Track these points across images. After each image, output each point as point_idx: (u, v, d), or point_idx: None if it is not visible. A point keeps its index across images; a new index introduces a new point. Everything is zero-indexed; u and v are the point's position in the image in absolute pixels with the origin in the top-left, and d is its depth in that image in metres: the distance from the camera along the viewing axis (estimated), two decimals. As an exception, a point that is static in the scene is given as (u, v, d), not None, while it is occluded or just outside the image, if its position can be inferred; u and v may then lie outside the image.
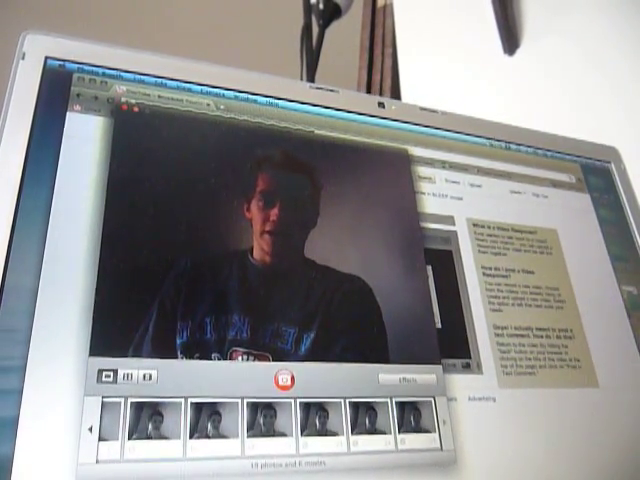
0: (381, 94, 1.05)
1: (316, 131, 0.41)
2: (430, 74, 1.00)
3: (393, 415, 0.34)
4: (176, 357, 0.31)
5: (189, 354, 0.31)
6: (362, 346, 0.36)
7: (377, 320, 0.37)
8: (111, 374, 0.29)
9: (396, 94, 0.99)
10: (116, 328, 0.30)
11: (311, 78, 1.05)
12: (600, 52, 0.83)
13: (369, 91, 1.07)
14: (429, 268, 0.40)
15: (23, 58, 0.34)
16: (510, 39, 0.91)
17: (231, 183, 0.37)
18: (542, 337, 0.41)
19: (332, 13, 1.19)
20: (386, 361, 0.35)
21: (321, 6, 1.18)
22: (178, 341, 0.31)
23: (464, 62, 0.98)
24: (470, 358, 0.38)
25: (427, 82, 0.99)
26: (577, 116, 0.79)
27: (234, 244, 0.36)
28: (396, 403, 0.34)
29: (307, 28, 1.09)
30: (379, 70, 1.07)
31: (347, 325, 0.36)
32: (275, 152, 0.39)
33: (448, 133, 0.47)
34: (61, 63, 0.36)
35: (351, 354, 0.35)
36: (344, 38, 1.22)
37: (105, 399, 0.29)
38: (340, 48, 1.25)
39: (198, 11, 1.88)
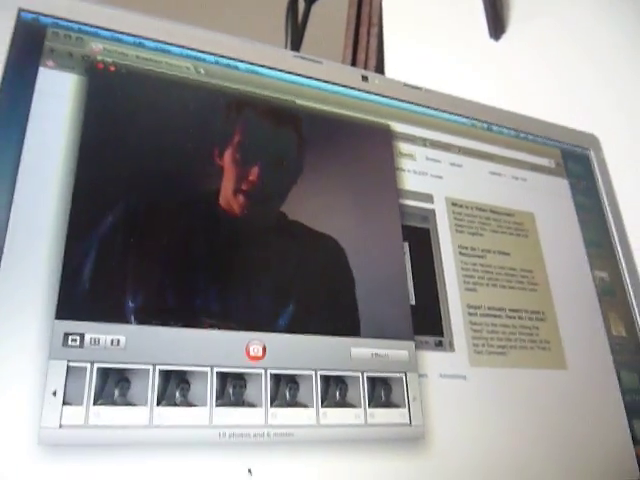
0: (366, 67, 1.04)
1: (297, 101, 0.40)
2: (415, 55, 0.99)
3: (364, 389, 0.34)
4: (145, 323, 0.30)
5: (158, 321, 0.30)
6: (336, 318, 0.35)
7: (351, 291, 0.36)
8: (77, 338, 0.28)
9: (380, 74, 0.98)
10: (84, 291, 0.29)
11: (296, 46, 1.04)
12: (585, 38, 0.84)
13: (352, 64, 1.06)
14: (406, 245, 0.39)
15: (-5, 8, 0.33)
16: (496, 24, 0.91)
17: (202, 125, 0.35)
18: (514, 318, 0.42)
19: (319, -11, 1.17)
20: (359, 335, 0.35)
21: (308, -19, 1.16)
22: (147, 307, 0.31)
23: (450, 45, 0.97)
24: (443, 336, 0.38)
25: (412, 63, 0.99)
26: (560, 101, 0.80)
27: (200, 188, 0.34)
28: (367, 378, 0.34)
29: (293, 3, 1.07)
30: (364, 49, 1.06)
31: (322, 295, 0.35)
32: (259, 99, 0.38)
33: (431, 111, 0.46)
34: (35, 16, 0.34)
35: (324, 326, 0.34)
36: (330, 15, 1.21)
37: (71, 363, 0.28)
38: (326, 25, 1.24)
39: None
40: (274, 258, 0.35)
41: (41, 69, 0.33)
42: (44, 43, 0.34)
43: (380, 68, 1.02)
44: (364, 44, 1.07)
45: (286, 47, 1.03)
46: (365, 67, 1.03)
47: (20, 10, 0.34)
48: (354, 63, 1.07)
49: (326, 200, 0.38)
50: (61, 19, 0.35)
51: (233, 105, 0.37)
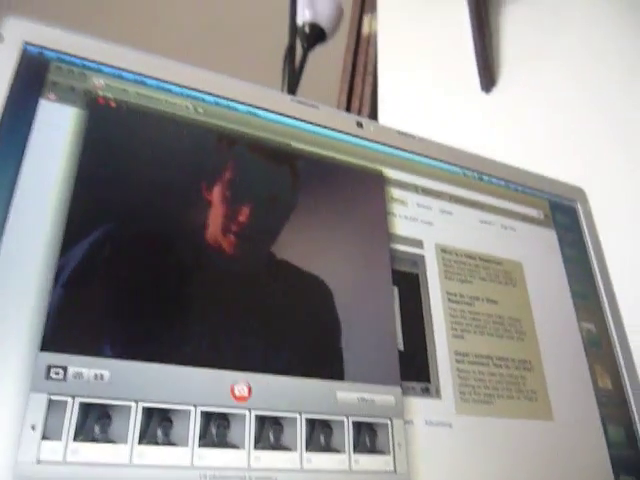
0: (360, 113, 1.06)
1: (293, 144, 0.41)
2: (408, 104, 1.02)
3: (349, 434, 0.33)
4: (130, 358, 0.30)
5: (143, 357, 0.30)
6: (323, 362, 0.35)
7: (338, 334, 0.36)
8: (60, 371, 0.28)
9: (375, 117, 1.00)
10: (70, 324, 0.29)
11: (292, 90, 1.06)
12: (564, 97, 0.87)
13: (347, 110, 1.08)
14: (395, 289, 0.40)
15: (1, 41, 0.33)
16: (488, 78, 0.94)
17: (193, 159, 0.36)
18: (501, 367, 0.42)
19: (317, 37, 1.21)
20: (343, 378, 0.35)
21: (307, 29, 1.20)
22: (133, 342, 0.30)
23: (442, 95, 1.00)
24: (429, 382, 0.38)
25: (405, 112, 1.01)
26: (545, 155, 0.82)
27: (187, 221, 0.34)
28: (352, 422, 0.34)
29: (291, 49, 1.10)
30: (359, 96, 1.08)
31: (308, 338, 0.35)
32: (251, 135, 0.38)
33: (423, 159, 0.47)
34: (40, 50, 0.35)
35: (311, 369, 0.34)
36: (326, 62, 1.24)
37: (52, 396, 0.27)
38: (322, 71, 1.27)
39: (188, 19, 1.89)
40: (261, 298, 0.35)
41: (42, 101, 0.33)
42: (47, 76, 0.34)
43: (374, 115, 1.04)
44: (359, 91, 1.09)
45: (282, 90, 1.05)
46: (359, 113, 1.05)
47: (25, 43, 0.34)
48: (348, 109, 1.09)
49: (316, 242, 0.38)
50: (65, 54, 0.36)
51: (225, 141, 0.38)
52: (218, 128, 0.38)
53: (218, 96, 0.40)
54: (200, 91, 0.39)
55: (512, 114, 0.92)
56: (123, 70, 0.37)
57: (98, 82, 0.36)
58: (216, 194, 0.35)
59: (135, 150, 0.35)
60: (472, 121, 0.96)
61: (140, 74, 0.37)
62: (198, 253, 0.34)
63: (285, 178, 0.39)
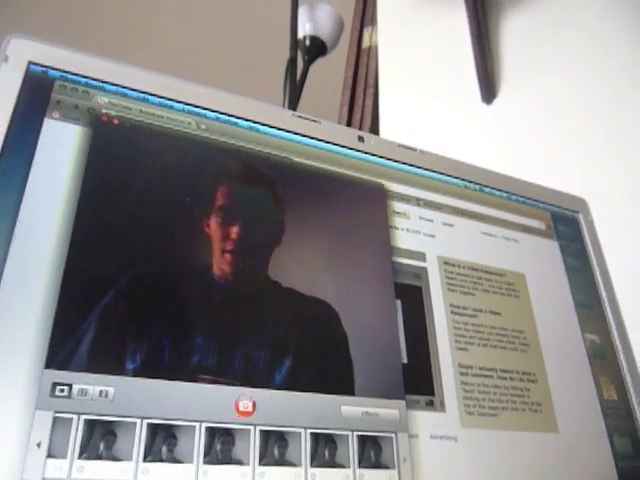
0: (361, 128, 1.06)
1: (294, 158, 0.41)
2: (409, 117, 1.02)
3: (354, 449, 0.33)
4: (134, 375, 0.30)
5: (148, 374, 0.30)
6: (327, 376, 0.35)
7: (343, 349, 0.36)
8: (65, 388, 0.28)
9: (375, 133, 1.00)
10: (75, 341, 0.29)
11: (293, 110, 1.06)
12: (563, 109, 0.88)
13: (348, 124, 1.09)
14: (398, 302, 0.40)
15: (6, 61, 0.34)
16: (489, 89, 0.94)
17: (191, 194, 0.36)
18: (506, 379, 0.41)
19: (318, 50, 1.22)
20: (350, 393, 0.35)
21: (307, 42, 1.21)
22: (138, 360, 0.30)
23: (444, 108, 1.00)
24: (434, 395, 0.38)
25: (406, 124, 1.01)
26: (545, 165, 0.82)
27: (193, 260, 0.35)
28: (357, 437, 0.34)
29: (292, 62, 1.11)
30: (360, 109, 1.09)
31: (314, 353, 0.35)
32: (234, 164, 0.39)
33: (425, 171, 0.47)
34: (44, 69, 0.35)
35: (315, 384, 0.34)
36: (327, 75, 1.25)
37: (57, 414, 0.27)
38: (323, 84, 1.27)
39: (189, 34, 1.90)
40: (267, 318, 0.35)
41: (47, 120, 0.34)
42: (51, 95, 0.35)
43: (375, 128, 1.04)
44: (360, 104, 1.10)
45: (284, 104, 1.06)
46: (360, 126, 1.06)
47: (30, 63, 0.35)
48: (350, 122, 1.10)
49: (318, 263, 0.38)
50: (69, 73, 0.36)
51: (210, 172, 0.38)
52: (219, 144, 0.39)
53: (219, 112, 0.40)
54: (202, 107, 0.39)
55: (513, 125, 0.93)
56: (126, 88, 0.37)
57: (101, 100, 0.36)
58: (212, 225, 0.36)
59: (138, 169, 0.35)
60: (473, 132, 0.96)
61: (142, 92, 0.38)
62: (200, 276, 0.34)
63: (265, 202, 0.39)
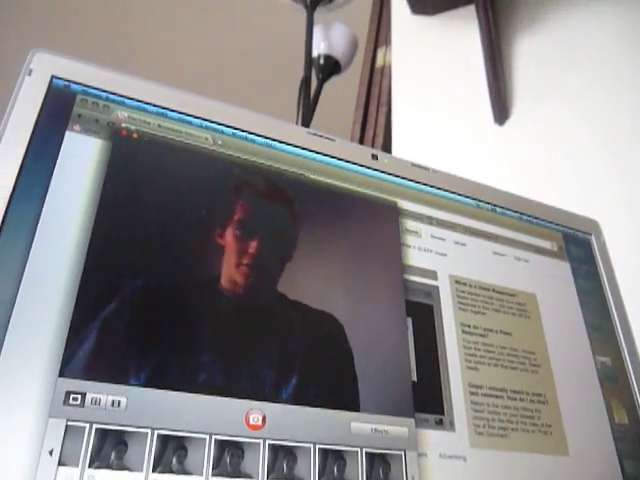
0: (373, 146, 1.07)
1: (309, 175, 0.42)
2: (422, 136, 1.03)
3: (362, 466, 0.33)
4: (147, 386, 0.30)
5: (160, 385, 0.30)
6: (336, 392, 0.35)
7: (349, 364, 0.36)
8: (79, 397, 0.28)
9: (387, 151, 1.01)
10: (89, 351, 0.30)
11: (307, 123, 1.07)
12: (574, 133, 0.88)
13: (360, 142, 1.09)
14: (409, 320, 0.40)
15: (30, 74, 0.35)
16: (501, 110, 0.95)
17: (208, 206, 0.37)
18: (516, 400, 0.41)
19: (332, 69, 1.23)
20: (357, 409, 0.35)
21: (322, 61, 1.22)
22: (149, 371, 0.31)
23: (456, 127, 1.01)
24: (443, 414, 0.38)
25: (418, 143, 1.02)
26: (556, 187, 0.82)
27: (207, 273, 0.35)
28: (366, 454, 0.34)
29: (306, 80, 1.12)
30: (372, 126, 1.09)
31: (321, 368, 0.35)
32: (256, 178, 0.39)
33: (438, 191, 0.48)
34: (66, 83, 0.36)
35: (325, 399, 0.34)
36: (341, 93, 1.26)
37: (70, 422, 0.28)
38: (336, 102, 1.29)
39: (205, 51, 1.93)
40: (276, 334, 0.35)
41: (68, 133, 0.35)
42: (73, 108, 0.36)
43: (387, 146, 1.05)
44: (373, 122, 1.11)
45: (297, 121, 1.07)
46: (373, 144, 1.07)
47: (53, 77, 0.36)
48: (362, 139, 1.10)
49: (328, 278, 0.39)
50: (90, 87, 0.37)
51: (232, 186, 0.38)
52: (236, 160, 0.39)
53: (236, 128, 0.41)
54: (219, 123, 0.40)
55: (524, 146, 0.93)
56: (145, 103, 0.38)
57: (122, 114, 0.37)
58: (228, 237, 0.36)
59: (156, 183, 0.36)
60: (485, 152, 0.96)
61: (161, 107, 0.39)
62: (212, 289, 0.35)
63: (282, 219, 0.39)
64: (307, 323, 0.37)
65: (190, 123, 0.39)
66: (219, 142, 0.39)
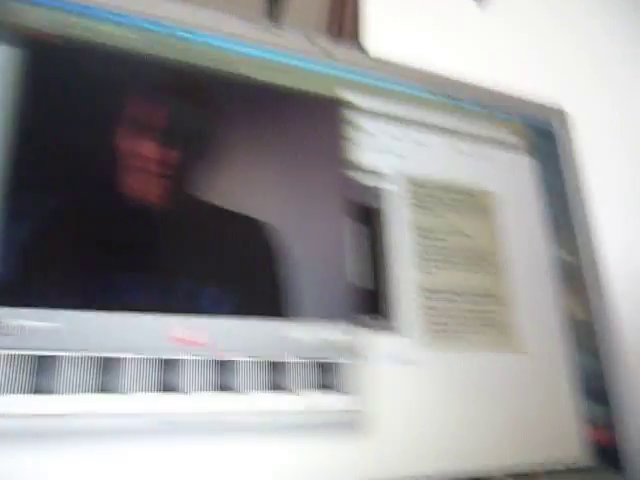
0: (341, 37, 1.01)
1: (233, 70, 0.38)
2: (395, 21, 0.96)
3: (303, 374, 0.33)
4: (69, 308, 0.29)
5: (82, 306, 0.29)
6: (268, 300, 0.34)
7: (274, 269, 0.34)
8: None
9: (356, 37, 0.95)
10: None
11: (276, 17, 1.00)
12: (567, 12, 0.83)
13: (329, 33, 1.03)
14: (358, 224, 0.38)
15: None
16: (481, -9, 0.88)
17: (106, 111, 0.33)
18: (472, 302, 0.40)
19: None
20: (297, 316, 0.34)
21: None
22: (65, 293, 0.29)
23: (432, 10, 0.94)
24: (394, 319, 0.37)
25: (391, 30, 0.96)
26: (538, 74, 0.78)
27: (110, 184, 0.32)
28: (310, 362, 0.33)
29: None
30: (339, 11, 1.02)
31: (244, 275, 0.34)
32: (168, 76, 0.35)
33: (394, 85, 0.44)
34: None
35: (256, 308, 0.33)
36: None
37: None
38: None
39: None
40: (190, 239, 0.33)
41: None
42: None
43: (357, 32, 0.98)
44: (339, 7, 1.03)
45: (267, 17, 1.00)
46: (340, 30, 1.00)
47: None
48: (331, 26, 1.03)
49: (258, 176, 0.36)
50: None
51: (122, 79, 0.34)
52: (146, 58, 0.35)
53: (159, 24, 0.36)
54: (138, 17, 0.36)
55: (506, 31, 0.88)
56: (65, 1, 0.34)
57: (30, 15, 0.33)
58: (126, 140, 0.33)
59: (70, 89, 0.33)
60: (464, 38, 0.91)
61: (86, 5, 0.34)
62: (120, 206, 0.32)
63: (190, 116, 0.36)
64: (221, 227, 0.34)
65: (97, 17, 0.35)
66: (133, 37, 0.35)
